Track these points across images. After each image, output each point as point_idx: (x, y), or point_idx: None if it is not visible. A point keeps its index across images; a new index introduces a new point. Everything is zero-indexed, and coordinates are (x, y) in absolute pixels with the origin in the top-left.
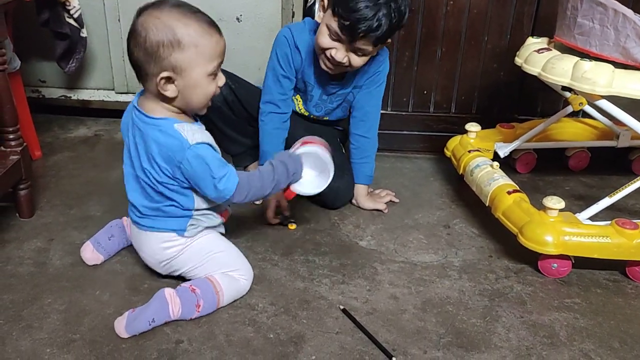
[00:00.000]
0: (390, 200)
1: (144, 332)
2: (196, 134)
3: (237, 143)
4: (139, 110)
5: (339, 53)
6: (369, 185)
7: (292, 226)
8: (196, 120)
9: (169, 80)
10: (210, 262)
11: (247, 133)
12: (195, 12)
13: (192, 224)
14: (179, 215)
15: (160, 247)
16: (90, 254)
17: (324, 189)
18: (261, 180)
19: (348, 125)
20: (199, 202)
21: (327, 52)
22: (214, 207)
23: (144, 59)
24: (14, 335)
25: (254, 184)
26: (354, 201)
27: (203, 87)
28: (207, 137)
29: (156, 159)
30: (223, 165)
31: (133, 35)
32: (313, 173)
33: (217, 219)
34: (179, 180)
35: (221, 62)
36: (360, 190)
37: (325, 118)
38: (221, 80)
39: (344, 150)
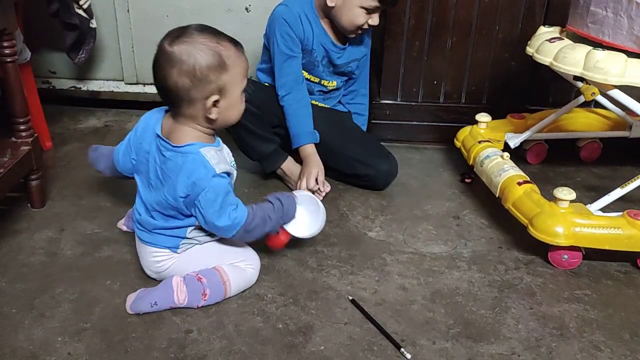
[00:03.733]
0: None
1: (145, 312)
2: (220, 162)
3: (268, 140)
4: (163, 139)
5: (376, 18)
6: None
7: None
8: (215, 137)
9: (215, 103)
10: (212, 261)
11: (276, 130)
12: (223, 33)
13: (185, 243)
14: (174, 235)
15: (151, 260)
16: (122, 220)
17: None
18: (263, 211)
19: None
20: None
21: (365, 24)
22: None
23: (190, 84)
24: (26, 323)
25: (257, 214)
26: None
27: (239, 105)
28: (227, 164)
29: (178, 186)
30: (234, 197)
31: (174, 63)
32: (306, 215)
33: (214, 235)
34: (192, 208)
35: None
36: None
37: (334, 83)
38: (243, 96)
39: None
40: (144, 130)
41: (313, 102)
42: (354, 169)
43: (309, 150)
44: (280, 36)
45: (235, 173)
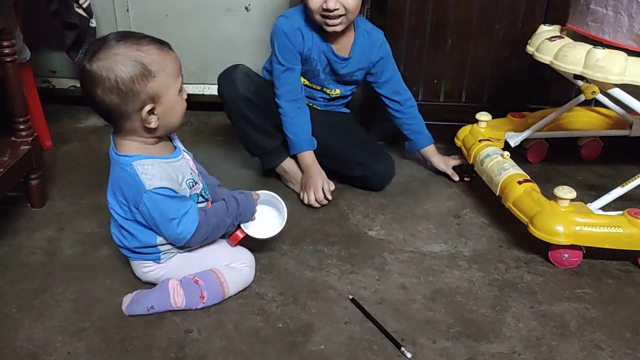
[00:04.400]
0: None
1: (142, 314)
2: (154, 178)
3: (271, 136)
4: (112, 143)
5: (330, 2)
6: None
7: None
8: (172, 141)
9: (151, 111)
10: (206, 264)
11: (279, 126)
12: (144, 37)
13: (166, 253)
14: (147, 252)
15: (142, 271)
16: None
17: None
18: (217, 216)
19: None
20: (161, 240)
21: (322, 8)
22: None
23: (119, 100)
24: (26, 323)
25: (211, 221)
26: (430, 160)
27: (179, 105)
28: (167, 179)
29: (119, 196)
30: (182, 205)
31: (97, 82)
32: (268, 215)
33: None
34: (139, 219)
35: (182, 76)
36: (431, 150)
37: (337, 91)
38: (184, 92)
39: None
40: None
41: (314, 106)
42: (351, 170)
43: (310, 160)
44: (278, 48)
45: (195, 187)
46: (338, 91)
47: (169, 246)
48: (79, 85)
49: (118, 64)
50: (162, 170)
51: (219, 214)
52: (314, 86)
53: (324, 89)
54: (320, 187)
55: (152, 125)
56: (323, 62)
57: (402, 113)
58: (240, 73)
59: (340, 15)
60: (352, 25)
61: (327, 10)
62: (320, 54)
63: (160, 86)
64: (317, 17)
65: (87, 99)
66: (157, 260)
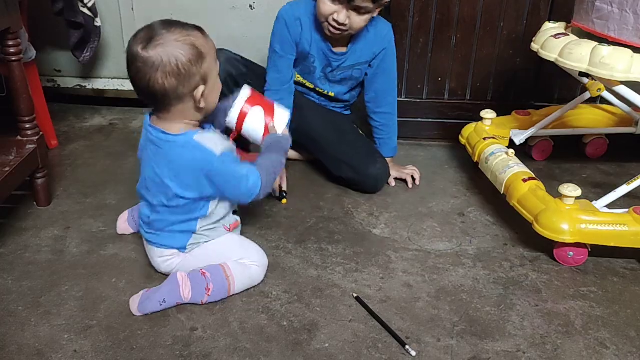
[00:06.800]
0: (413, 177)
1: (154, 312)
2: (217, 143)
3: None
4: (155, 128)
5: (341, 15)
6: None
7: (284, 201)
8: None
9: (202, 92)
10: (218, 258)
11: None
12: (184, 23)
13: (192, 243)
14: (185, 230)
15: (159, 260)
16: (123, 224)
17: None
18: (268, 160)
19: (364, 106)
20: (213, 209)
21: (330, 18)
22: (222, 219)
23: (177, 83)
24: (33, 321)
25: (267, 169)
26: None
27: (217, 86)
28: (226, 143)
29: (181, 174)
30: (242, 165)
31: (156, 66)
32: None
33: (222, 232)
34: (204, 190)
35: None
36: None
37: (331, 94)
38: None
39: (361, 132)
40: (144, 128)
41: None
42: (340, 171)
43: None
44: (275, 33)
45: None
46: (332, 93)
47: (204, 225)
48: (84, 84)
49: (177, 49)
50: (218, 137)
51: (269, 161)
52: (307, 84)
53: (317, 89)
54: None
55: (202, 105)
56: (321, 59)
57: (377, 115)
58: (225, 57)
59: (345, 30)
60: None
61: (335, 21)
62: (318, 51)
63: (208, 67)
64: (322, 21)
65: (142, 84)
66: (183, 249)
